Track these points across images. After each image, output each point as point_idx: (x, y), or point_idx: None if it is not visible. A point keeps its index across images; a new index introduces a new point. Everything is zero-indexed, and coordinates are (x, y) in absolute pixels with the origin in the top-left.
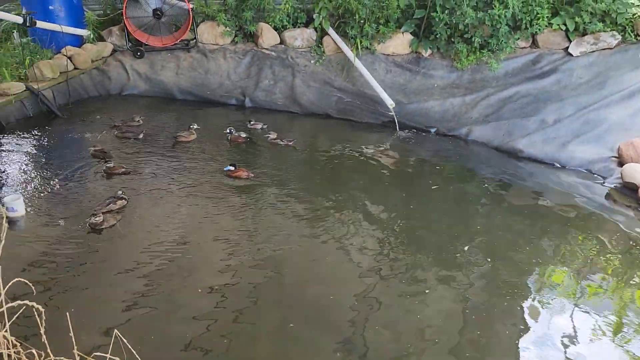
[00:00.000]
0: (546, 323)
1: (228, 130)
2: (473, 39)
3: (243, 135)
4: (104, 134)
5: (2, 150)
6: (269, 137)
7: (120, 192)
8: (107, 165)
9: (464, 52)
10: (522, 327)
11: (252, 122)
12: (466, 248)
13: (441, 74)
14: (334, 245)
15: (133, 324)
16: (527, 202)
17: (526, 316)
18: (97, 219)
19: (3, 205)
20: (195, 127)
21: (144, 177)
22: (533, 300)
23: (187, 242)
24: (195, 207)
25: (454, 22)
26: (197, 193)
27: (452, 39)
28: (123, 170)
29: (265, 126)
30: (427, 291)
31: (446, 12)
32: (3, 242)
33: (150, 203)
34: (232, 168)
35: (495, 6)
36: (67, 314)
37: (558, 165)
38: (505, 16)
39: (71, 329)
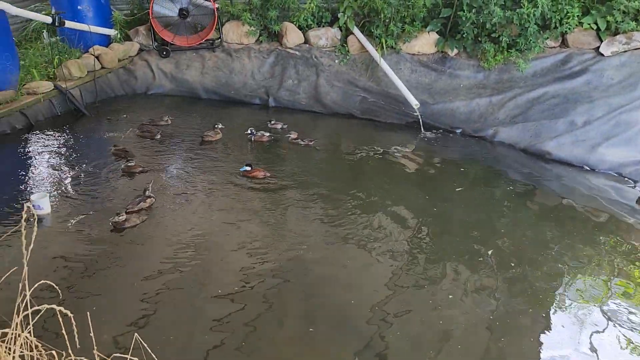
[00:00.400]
0: (572, 331)
1: (249, 131)
2: (501, 38)
3: (267, 134)
4: (128, 132)
5: (30, 148)
6: (289, 136)
7: (148, 190)
8: (127, 164)
9: (491, 51)
10: (547, 334)
11: (272, 122)
12: (490, 252)
13: (467, 74)
14: (356, 248)
15: (153, 327)
16: (555, 205)
17: (552, 323)
18: (120, 217)
19: (30, 204)
20: (220, 126)
21: (168, 177)
22: (559, 306)
23: (208, 244)
24: (217, 208)
25: (481, 21)
26: (220, 194)
27: (479, 39)
28: (140, 169)
29: (285, 126)
30: (450, 296)
31: (473, 11)
32: (32, 246)
33: (173, 203)
34: (248, 168)
35: (524, 5)
36: (88, 313)
37: (587, 168)
38: (534, 15)
39: (92, 330)
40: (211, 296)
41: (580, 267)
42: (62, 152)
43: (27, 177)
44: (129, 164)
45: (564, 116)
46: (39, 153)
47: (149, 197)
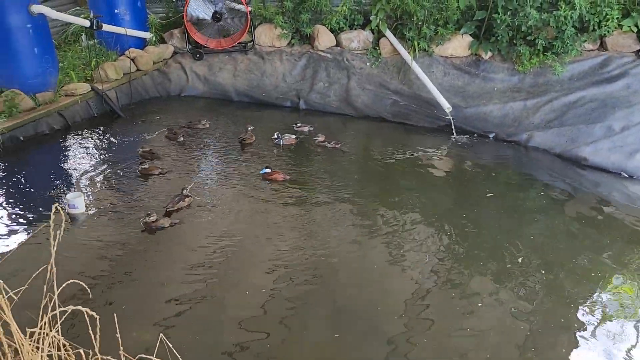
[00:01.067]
0: (606, 343)
1: (275, 136)
2: (536, 41)
3: (293, 137)
4: (156, 135)
5: (67, 148)
6: (316, 139)
7: (185, 189)
8: (142, 166)
9: (526, 54)
10: (580, 347)
11: (298, 125)
12: (520, 259)
13: (501, 77)
14: (384, 253)
15: (180, 327)
16: (590, 212)
17: (585, 335)
18: (151, 218)
19: (65, 203)
20: (251, 128)
21: (198, 179)
22: (593, 316)
23: (236, 246)
24: (246, 211)
25: (517, 23)
26: (249, 197)
27: (514, 41)
28: (159, 171)
29: (312, 128)
30: (479, 304)
31: (508, 13)
32: (54, 248)
33: (203, 206)
34: (268, 171)
35: (561, 7)
36: (115, 315)
37: (625, 175)
38: (571, 17)
39: (118, 331)
40: (238, 299)
41: (616, 278)
42: (98, 153)
43: (63, 177)
44: (144, 166)
45: (601, 121)
46: (75, 153)
47: (187, 196)
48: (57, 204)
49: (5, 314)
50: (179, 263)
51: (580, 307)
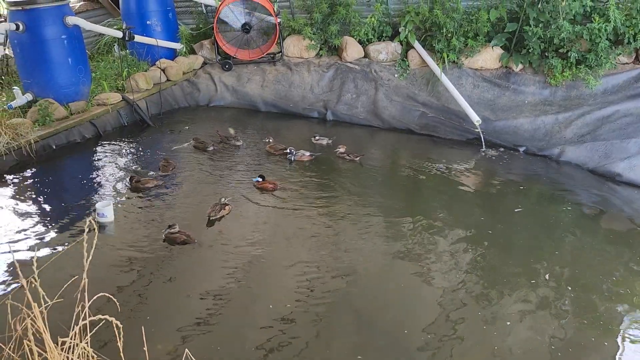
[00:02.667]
0: None
1: (289, 151)
2: (569, 53)
3: (307, 154)
4: (185, 146)
5: (98, 157)
6: (337, 150)
7: (224, 199)
8: (135, 179)
9: (558, 67)
10: None
11: (317, 137)
12: (547, 276)
13: (532, 90)
14: (409, 269)
15: (205, 339)
16: (623, 230)
17: (616, 355)
18: (173, 229)
19: (95, 211)
20: (271, 140)
21: (219, 191)
22: (624, 337)
23: (259, 260)
24: (268, 224)
25: (549, 36)
26: (271, 209)
27: (546, 54)
28: (154, 184)
29: (330, 141)
30: (507, 323)
31: (540, 25)
32: (90, 257)
33: (227, 219)
34: (260, 179)
35: (595, 19)
36: (143, 328)
37: None
38: (605, 30)
39: (145, 342)
40: (262, 312)
41: None
42: (128, 162)
43: (93, 185)
44: (137, 180)
45: (636, 136)
46: (105, 162)
47: (226, 204)
48: (90, 217)
49: (36, 323)
50: (204, 275)
51: (612, 328)
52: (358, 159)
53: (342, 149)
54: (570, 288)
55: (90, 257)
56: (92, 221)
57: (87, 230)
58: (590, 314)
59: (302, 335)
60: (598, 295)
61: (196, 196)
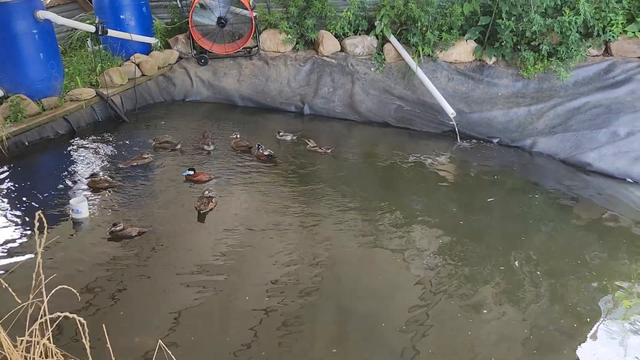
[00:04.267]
0: (611, 352)
1: (257, 146)
2: (541, 46)
3: (265, 153)
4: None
5: (72, 153)
6: (307, 145)
7: (207, 192)
8: (93, 178)
9: (530, 60)
10: (586, 354)
11: (281, 133)
12: (517, 263)
13: (505, 83)
14: (385, 259)
15: (180, 333)
16: (595, 218)
17: (590, 342)
18: (117, 227)
19: (69, 207)
20: (237, 135)
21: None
22: (599, 325)
23: (237, 253)
24: (247, 215)
25: (521, 29)
26: (248, 202)
27: (519, 47)
28: (107, 184)
29: (295, 137)
30: (484, 310)
31: (513, 18)
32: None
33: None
34: (191, 172)
35: (565, 12)
36: (104, 325)
37: (630, 181)
38: (575, 23)
39: (108, 341)
40: (240, 304)
41: (621, 284)
42: (102, 158)
43: (67, 181)
44: (94, 179)
45: (606, 127)
46: (79, 158)
47: (212, 197)
48: (40, 212)
49: None
50: (179, 268)
51: (585, 314)
52: (330, 150)
53: (312, 143)
54: (542, 275)
55: (63, 252)
56: (42, 215)
57: (36, 225)
58: (563, 300)
59: (281, 326)
60: (570, 281)
61: (173, 191)
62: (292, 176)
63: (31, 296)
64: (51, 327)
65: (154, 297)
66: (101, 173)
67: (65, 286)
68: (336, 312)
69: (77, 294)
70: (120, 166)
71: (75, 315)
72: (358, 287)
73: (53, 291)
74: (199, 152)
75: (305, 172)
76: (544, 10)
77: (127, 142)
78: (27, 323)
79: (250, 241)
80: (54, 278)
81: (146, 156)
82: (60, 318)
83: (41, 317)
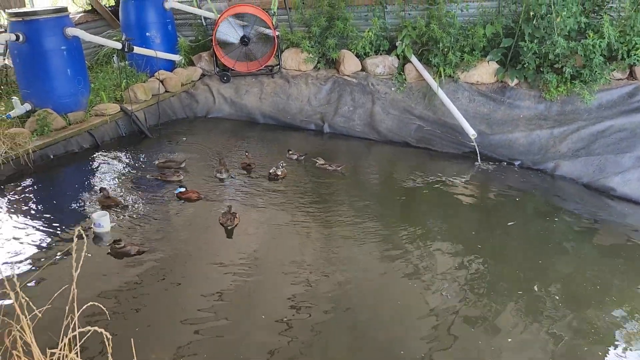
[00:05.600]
0: None
1: (273, 169)
2: (564, 69)
3: (278, 172)
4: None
5: (96, 167)
6: (316, 162)
7: (230, 208)
8: (103, 193)
9: (553, 82)
10: None
11: (290, 152)
12: (544, 292)
13: (528, 105)
14: (404, 281)
15: (198, 352)
16: (618, 244)
17: None
18: (118, 244)
19: (91, 221)
20: (247, 153)
21: (214, 205)
22: (617, 348)
23: (252, 273)
24: (266, 235)
25: (544, 51)
26: (267, 222)
27: (541, 69)
28: (114, 203)
29: (302, 157)
30: (502, 335)
31: (535, 41)
32: (78, 271)
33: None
34: (182, 189)
35: (589, 35)
36: (132, 340)
37: None
38: (600, 46)
39: (134, 355)
40: (257, 324)
41: None
42: (125, 173)
43: (91, 196)
44: (105, 195)
45: (630, 151)
46: (103, 172)
47: (235, 212)
48: (79, 227)
49: (26, 334)
50: (197, 286)
51: (608, 343)
52: (340, 168)
53: (321, 161)
54: (563, 300)
55: (83, 265)
56: (82, 230)
57: (75, 240)
58: (584, 325)
59: (296, 347)
60: (591, 307)
61: (190, 208)
62: (308, 196)
63: (67, 308)
64: (80, 341)
65: (172, 313)
66: (110, 190)
67: (97, 304)
68: (352, 338)
69: (106, 310)
70: (148, 177)
71: (103, 330)
72: (375, 312)
73: (84, 307)
74: (212, 178)
75: (322, 192)
76: (567, 33)
77: (149, 157)
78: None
79: (265, 262)
80: (68, 291)
81: (179, 174)
82: (90, 332)
83: (70, 332)
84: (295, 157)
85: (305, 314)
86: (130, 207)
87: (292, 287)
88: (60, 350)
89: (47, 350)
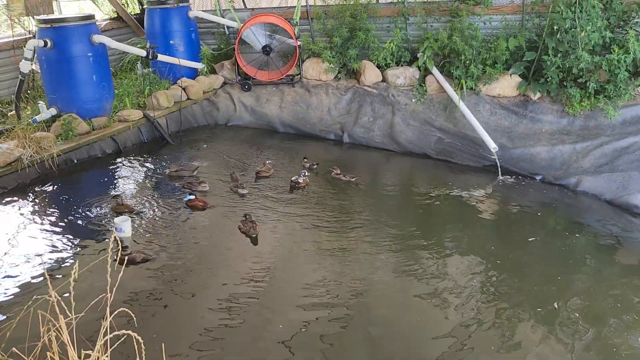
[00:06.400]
0: None
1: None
2: (588, 84)
3: (301, 179)
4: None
5: (118, 172)
6: (332, 172)
7: (248, 216)
8: (117, 201)
9: (577, 97)
10: None
11: (305, 160)
12: (563, 308)
13: (550, 119)
14: (422, 294)
15: (217, 357)
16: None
17: None
18: (126, 252)
19: (112, 226)
20: (269, 162)
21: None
22: None
23: (271, 281)
24: (279, 246)
25: (568, 65)
26: (283, 231)
27: (565, 83)
28: (127, 209)
29: (314, 166)
30: (519, 352)
31: (559, 55)
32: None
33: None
34: (192, 197)
35: (614, 50)
36: (163, 345)
37: None
38: (625, 61)
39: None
40: (273, 336)
41: None
42: (146, 178)
43: (110, 199)
44: (118, 202)
45: None
46: (125, 177)
47: (254, 221)
48: (114, 234)
49: (63, 335)
50: (216, 293)
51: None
52: (354, 179)
53: (337, 171)
54: (585, 321)
55: (103, 272)
56: (117, 238)
57: (111, 246)
58: (603, 344)
59: (313, 358)
60: (612, 325)
61: (208, 213)
62: (324, 206)
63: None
64: (112, 345)
65: (190, 319)
66: (125, 197)
67: (126, 309)
68: (367, 346)
69: (133, 315)
70: (177, 184)
71: (135, 335)
72: (393, 322)
73: (116, 312)
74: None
75: (339, 202)
76: (591, 48)
77: (169, 163)
78: (89, 337)
79: (282, 272)
80: (94, 295)
81: (204, 185)
82: (125, 336)
83: (102, 335)
84: (308, 165)
85: (321, 322)
86: (144, 213)
87: (307, 298)
88: (97, 352)
89: (82, 351)
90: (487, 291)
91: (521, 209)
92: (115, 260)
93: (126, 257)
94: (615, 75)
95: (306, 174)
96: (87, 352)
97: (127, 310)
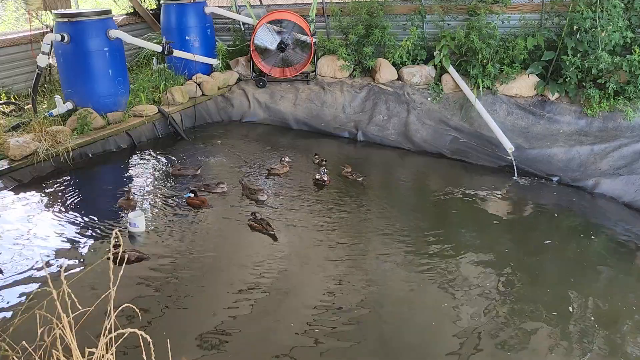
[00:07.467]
0: None
1: (321, 172)
2: (607, 84)
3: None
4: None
5: (132, 166)
6: (343, 169)
7: (258, 214)
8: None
9: (596, 98)
10: None
11: (316, 156)
12: (571, 308)
13: (568, 120)
14: (434, 296)
15: (227, 354)
16: None
17: None
18: (118, 249)
19: (126, 221)
20: (287, 160)
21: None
22: None
23: (281, 280)
24: (297, 243)
25: (587, 66)
26: (295, 228)
27: (583, 84)
28: (134, 204)
29: (324, 163)
30: (531, 355)
31: (578, 55)
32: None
33: (247, 236)
34: (191, 195)
35: (635, 51)
36: (168, 341)
37: None
38: None
39: (170, 356)
40: (283, 332)
41: None
42: (160, 173)
43: (124, 194)
44: (127, 198)
45: None
46: (139, 172)
47: (262, 218)
48: (116, 229)
49: (67, 333)
50: (226, 289)
51: None
52: (361, 179)
53: (348, 169)
54: (602, 325)
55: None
56: (119, 233)
57: (113, 242)
58: (620, 349)
59: (327, 356)
60: (629, 329)
61: (222, 211)
62: (337, 205)
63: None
64: (116, 342)
65: (202, 316)
66: (135, 192)
67: (130, 305)
68: (380, 346)
69: (138, 311)
70: (192, 188)
71: (142, 333)
72: (405, 323)
73: (120, 308)
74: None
75: (352, 201)
76: (612, 48)
77: (183, 159)
78: (96, 335)
79: (292, 271)
80: (102, 290)
81: (223, 186)
82: (127, 334)
83: (107, 332)
84: (317, 161)
85: (334, 323)
86: (153, 210)
87: (320, 296)
88: (100, 350)
89: (86, 349)
90: (501, 293)
91: (537, 210)
92: (109, 259)
93: (119, 256)
94: (636, 77)
95: (325, 171)
96: (90, 349)
97: (131, 306)
